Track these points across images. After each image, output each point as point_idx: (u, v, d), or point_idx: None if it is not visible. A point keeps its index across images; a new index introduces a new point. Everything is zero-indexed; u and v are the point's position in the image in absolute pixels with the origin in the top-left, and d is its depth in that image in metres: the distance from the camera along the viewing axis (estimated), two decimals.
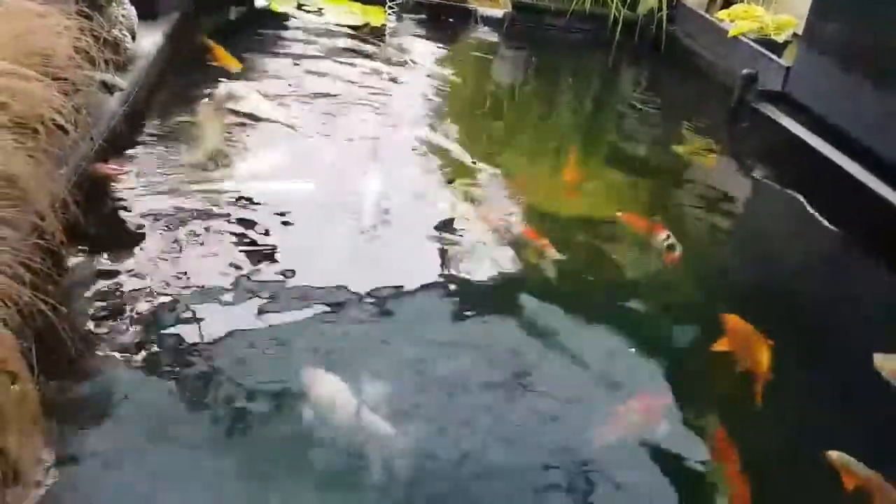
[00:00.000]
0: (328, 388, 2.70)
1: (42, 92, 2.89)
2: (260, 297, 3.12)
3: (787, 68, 5.72)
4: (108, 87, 3.88)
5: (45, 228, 2.55)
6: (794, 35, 6.23)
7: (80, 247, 3.10)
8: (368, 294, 3.22)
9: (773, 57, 5.97)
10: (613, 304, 3.53)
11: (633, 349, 3.18)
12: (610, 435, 2.72)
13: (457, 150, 4.81)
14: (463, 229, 3.87)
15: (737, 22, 6.55)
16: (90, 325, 2.78)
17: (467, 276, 3.51)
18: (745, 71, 5.83)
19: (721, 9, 7.19)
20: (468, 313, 3.27)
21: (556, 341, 3.16)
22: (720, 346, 3.21)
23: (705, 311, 3.56)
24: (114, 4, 4.33)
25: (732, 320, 3.33)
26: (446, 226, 3.89)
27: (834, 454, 2.75)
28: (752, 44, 6.26)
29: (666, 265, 3.84)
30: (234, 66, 5.43)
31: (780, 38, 6.29)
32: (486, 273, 3.57)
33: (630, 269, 3.85)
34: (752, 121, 5.71)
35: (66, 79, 3.17)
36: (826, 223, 4.46)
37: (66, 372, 2.52)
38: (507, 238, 3.85)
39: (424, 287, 3.37)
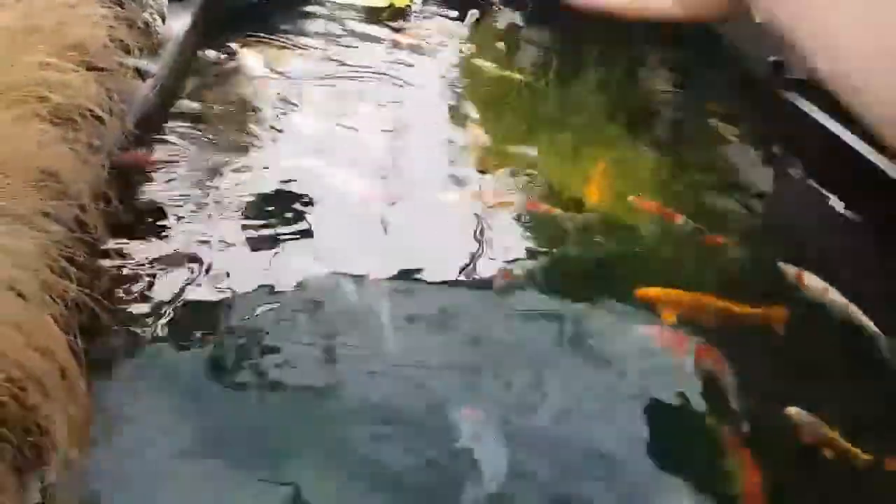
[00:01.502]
0: None
1: (79, 83, 2.95)
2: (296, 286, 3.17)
3: None
4: (141, 74, 3.93)
5: (86, 221, 2.61)
6: None
7: (118, 237, 3.13)
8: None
9: None
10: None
11: None
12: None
13: (481, 133, 4.81)
14: (490, 208, 3.92)
15: None
16: (134, 316, 2.83)
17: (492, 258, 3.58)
18: (771, 58, 5.78)
19: None
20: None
21: None
22: None
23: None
24: None
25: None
26: (473, 205, 3.94)
27: (793, 410, 2.76)
28: None
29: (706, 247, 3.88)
30: (283, 65, 5.43)
31: None
32: (514, 251, 3.64)
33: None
34: (777, 108, 5.67)
35: (102, 68, 3.22)
36: (844, 211, 4.45)
37: (112, 363, 2.59)
38: (533, 215, 3.94)
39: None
